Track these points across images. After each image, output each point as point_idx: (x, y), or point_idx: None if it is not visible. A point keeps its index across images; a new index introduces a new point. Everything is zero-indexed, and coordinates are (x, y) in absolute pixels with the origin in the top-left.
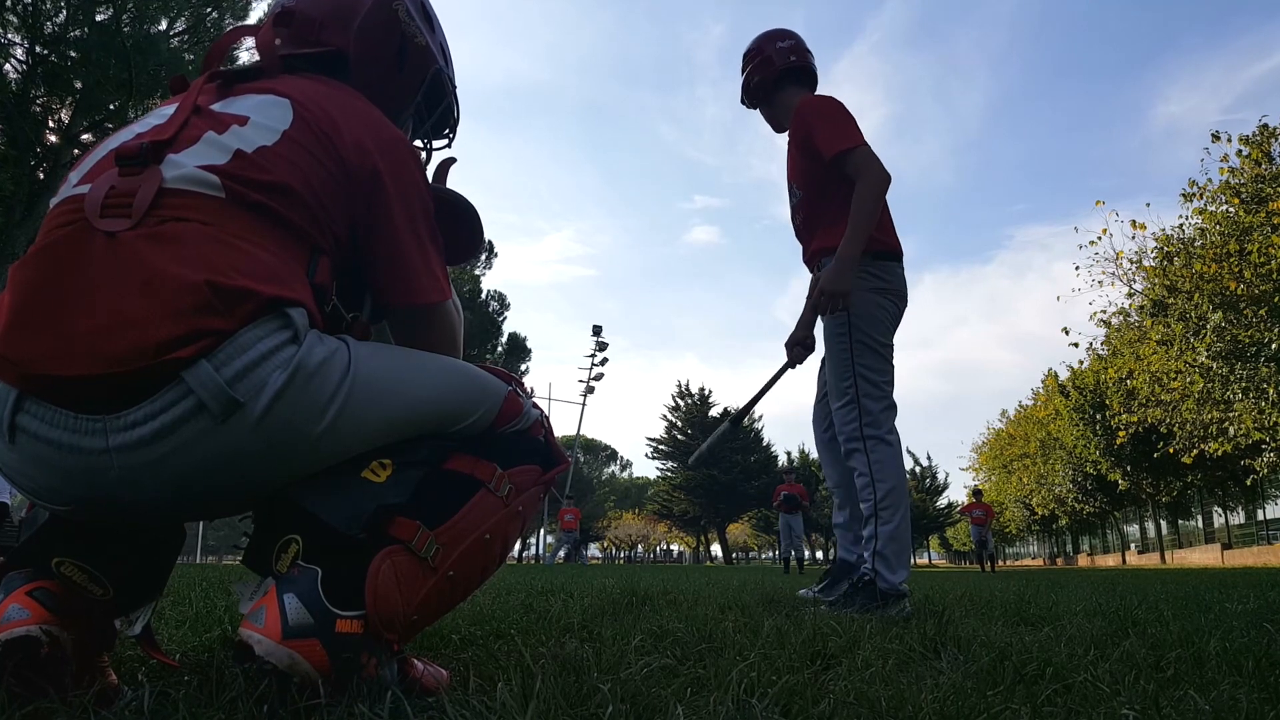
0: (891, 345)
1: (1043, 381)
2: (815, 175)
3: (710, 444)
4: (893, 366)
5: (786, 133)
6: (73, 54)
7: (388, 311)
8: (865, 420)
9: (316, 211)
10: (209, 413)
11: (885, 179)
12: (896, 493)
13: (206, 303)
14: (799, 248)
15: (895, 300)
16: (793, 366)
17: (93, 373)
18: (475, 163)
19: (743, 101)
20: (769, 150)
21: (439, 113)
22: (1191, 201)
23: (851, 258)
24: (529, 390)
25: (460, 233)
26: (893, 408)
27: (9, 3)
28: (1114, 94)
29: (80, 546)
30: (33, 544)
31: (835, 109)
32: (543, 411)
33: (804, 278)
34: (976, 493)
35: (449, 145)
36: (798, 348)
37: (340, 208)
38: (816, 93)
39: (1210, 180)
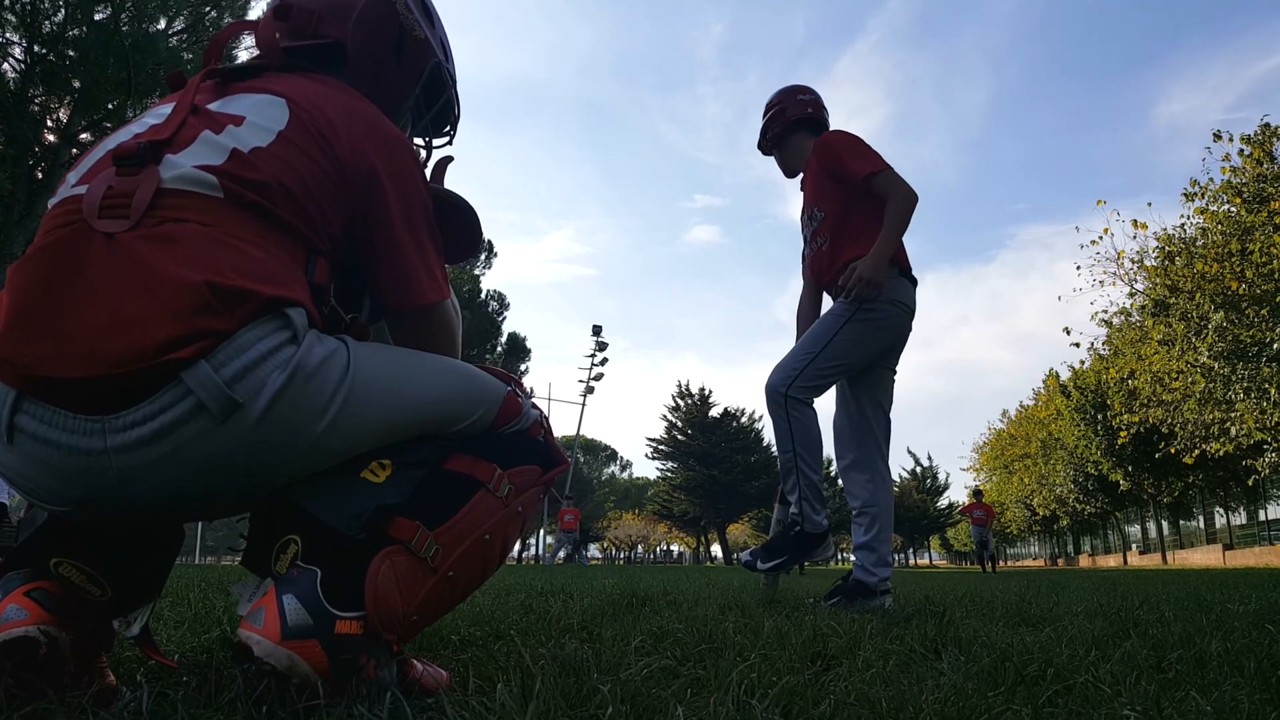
0: (871, 354)
1: (1044, 381)
2: (840, 197)
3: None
4: (846, 367)
5: (798, 176)
6: (71, 53)
7: (386, 311)
8: (798, 383)
9: (312, 212)
10: (208, 413)
11: (914, 196)
12: (813, 447)
13: (205, 303)
14: (800, 247)
15: (905, 316)
16: None
17: (92, 374)
18: (474, 161)
19: (759, 147)
20: None
21: (438, 108)
22: (1193, 201)
23: (887, 255)
24: (528, 391)
25: (459, 233)
26: (819, 391)
27: (7, 1)
28: (1117, 92)
29: (79, 547)
30: (31, 544)
31: (860, 140)
32: (542, 412)
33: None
34: (977, 493)
35: (449, 143)
36: None
37: (337, 208)
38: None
39: (1212, 180)
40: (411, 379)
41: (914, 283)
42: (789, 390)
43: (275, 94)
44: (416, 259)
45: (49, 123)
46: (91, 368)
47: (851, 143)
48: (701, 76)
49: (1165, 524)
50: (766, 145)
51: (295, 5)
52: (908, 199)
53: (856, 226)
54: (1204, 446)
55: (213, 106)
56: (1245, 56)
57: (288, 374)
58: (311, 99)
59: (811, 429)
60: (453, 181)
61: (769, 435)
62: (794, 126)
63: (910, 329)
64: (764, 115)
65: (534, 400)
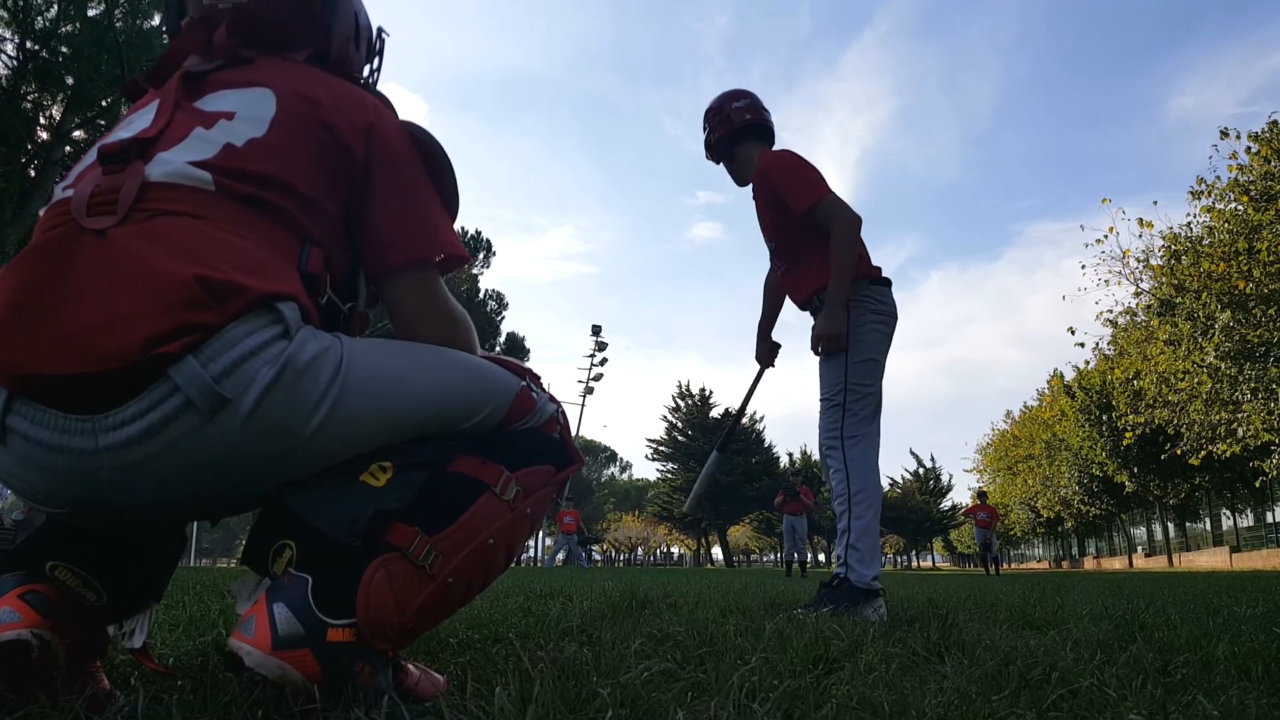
0: (883, 362)
1: (1048, 382)
2: (785, 227)
3: (702, 482)
4: (880, 380)
5: (750, 185)
6: (64, 49)
7: (389, 286)
8: (848, 420)
9: (310, 196)
10: (196, 410)
11: (856, 222)
12: (870, 490)
13: (194, 297)
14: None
15: (890, 321)
16: (769, 367)
17: (81, 371)
18: (471, 157)
19: (708, 157)
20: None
21: (379, 62)
22: (1200, 199)
23: (840, 302)
24: (546, 384)
25: (446, 187)
26: (876, 415)
27: None
28: (1128, 86)
29: (75, 550)
30: (27, 546)
31: (796, 162)
32: (559, 406)
33: None
34: (981, 494)
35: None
36: (768, 356)
37: (336, 186)
38: (776, 148)
39: (1219, 178)
40: (411, 376)
41: (888, 284)
42: (843, 432)
43: (259, 84)
44: (432, 207)
45: (42, 120)
46: (81, 365)
47: (789, 170)
48: (705, 70)
49: (1171, 526)
50: (713, 154)
51: (257, 16)
52: (850, 228)
53: (810, 257)
54: (1210, 448)
55: (199, 104)
56: (1260, 50)
57: (277, 369)
58: (293, 82)
59: (869, 465)
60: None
61: (770, 436)
62: (738, 135)
63: (896, 323)
64: (705, 123)
65: (550, 394)
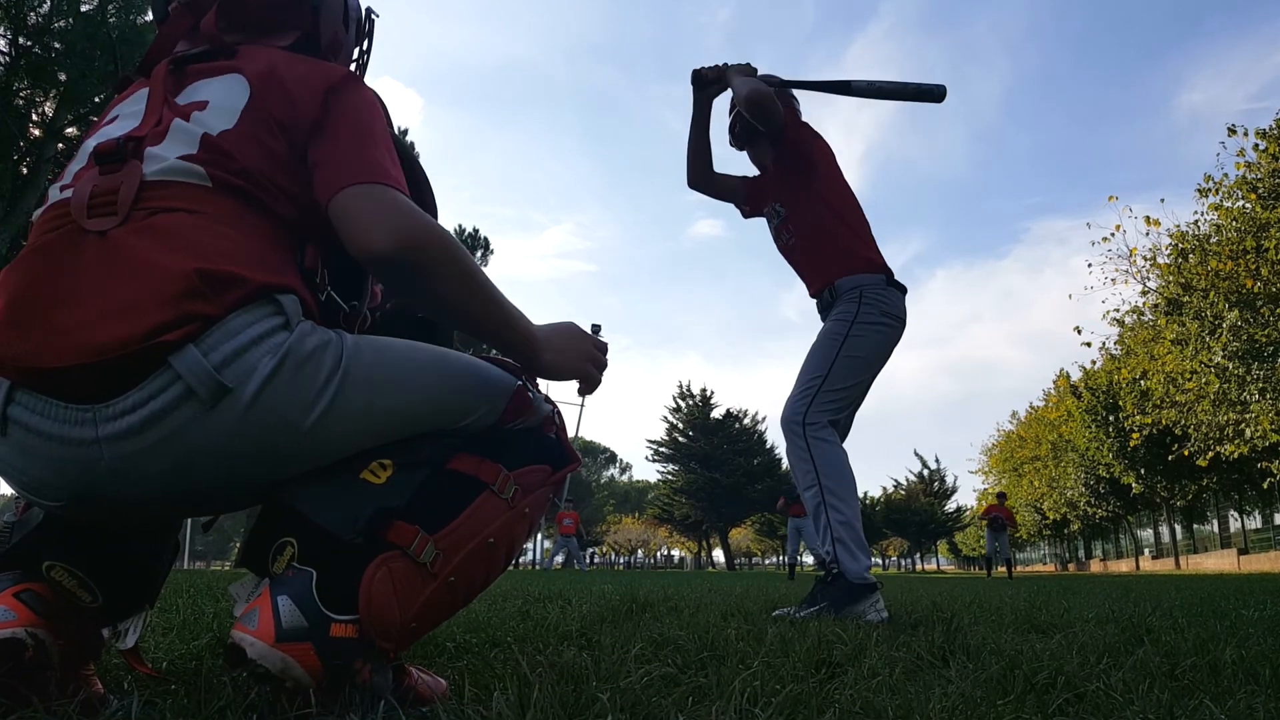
0: (875, 366)
1: (1054, 382)
2: (799, 187)
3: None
4: (860, 385)
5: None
6: (57, 45)
7: (335, 205)
8: (813, 409)
9: (292, 191)
10: (197, 399)
11: (763, 97)
12: (841, 486)
13: (194, 288)
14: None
15: (896, 326)
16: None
17: (82, 362)
18: (469, 153)
19: (731, 144)
20: None
21: (369, 44)
22: (1207, 197)
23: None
24: (543, 386)
25: (420, 190)
26: (836, 413)
27: None
28: (1136, 81)
29: (72, 551)
30: (24, 545)
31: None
32: (555, 407)
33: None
34: (1000, 495)
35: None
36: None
37: (306, 166)
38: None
39: (1226, 175)
40: (410, 374)
41: (903, 290)
42: (806, 416)
43: (233, 71)
44: (382, 149)
45: (34, 116)
46: (82, 356)
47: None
48: (707, 63)
49: (1178, 528)
50: (737, 140)
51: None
52: (753, 90)
53: (832, 236)
54: (1218, 448)
55: (179, 98)
56: (1269, 45)
57: (278, 359)
58: (265, 67)
59: (837, 458)
60: (446, 173)
61: (771, 437)
62: None
63: (899, 339)
64: (731, 109)
65: (546, 395)
